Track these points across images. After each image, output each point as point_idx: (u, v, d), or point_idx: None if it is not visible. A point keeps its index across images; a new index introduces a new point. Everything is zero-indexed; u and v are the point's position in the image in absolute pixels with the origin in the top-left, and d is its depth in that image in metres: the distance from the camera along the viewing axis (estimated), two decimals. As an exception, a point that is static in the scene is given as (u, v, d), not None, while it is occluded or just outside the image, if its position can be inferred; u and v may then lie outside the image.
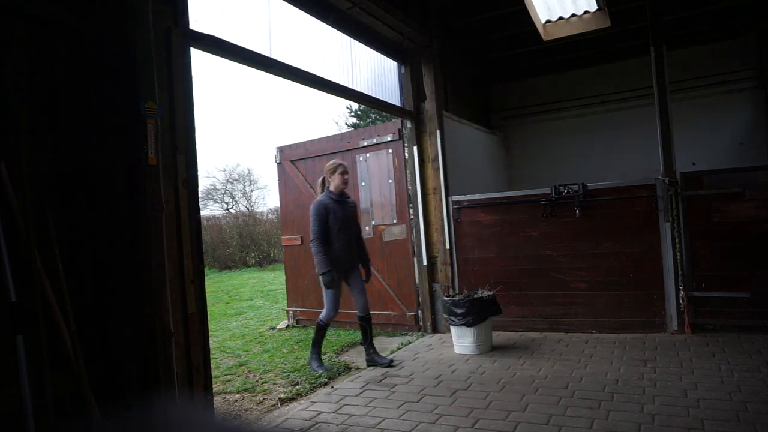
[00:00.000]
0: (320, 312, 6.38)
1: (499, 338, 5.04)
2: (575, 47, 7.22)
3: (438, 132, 5.63)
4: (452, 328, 4.70)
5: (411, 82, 5.73)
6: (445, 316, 4.89)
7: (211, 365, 3.00)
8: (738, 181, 4.65)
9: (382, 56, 5.54)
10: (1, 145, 2.03)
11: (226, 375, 4.51)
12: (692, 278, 4.76)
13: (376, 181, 5.94)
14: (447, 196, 5.62)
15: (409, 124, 5.70)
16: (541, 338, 4.99)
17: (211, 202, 22.33)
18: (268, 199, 29.18)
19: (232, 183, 22.82)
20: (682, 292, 4.70)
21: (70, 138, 2.33)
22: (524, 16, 5.86)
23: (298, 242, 6.45)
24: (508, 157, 8.45)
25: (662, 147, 4.92)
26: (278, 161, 6.68)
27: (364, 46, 5.22)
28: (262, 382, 4.22)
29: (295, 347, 5.38)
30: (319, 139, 6.49)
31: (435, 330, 5.61)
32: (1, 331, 1.95)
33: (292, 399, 3.80)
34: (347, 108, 18.43)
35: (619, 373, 3.77)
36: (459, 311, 4.57)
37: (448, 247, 5.59)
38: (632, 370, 3.81)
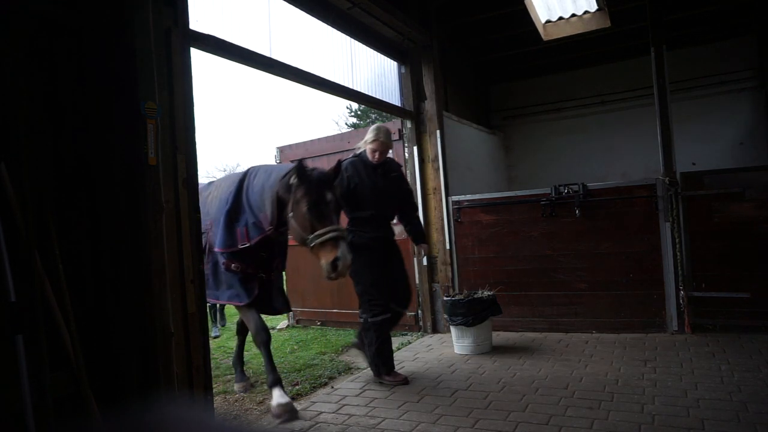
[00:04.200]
0: (320, 311, 6.37)
1: (499, 338, 5.04)
2: (575, 47, 7.22)
3: (438, 132, 5.63)
4: (452, 328, 4.70)
5: (411, 82, 5.73)
6: (445, 316, 4.89)
7: (211, 365, 3.00)
8: (738, 181, 4.65)
9: (382, 56, 5.54)
10: (1, 145, 2.03)
11: (226, 375, 4.51)
12: (692, 278, 4.75)
13: (376, 181, 5.93)
14: (447, 196, 5.62)
15: (409, 124, 5.70)
16: (541, 338, 4.99)
17: (211, 202, 22.28)
18: (268, 199, 29.09)
19: (232, 183, 22.75)
20: (682, 292, 4.69)
21: (70, 138, 2.33)
22: (524, 16, 5.86)
23: (298, 242, 6.44)
24: (508, 157, 8.45)
25: (662, 147, 4.92)
26: (278, 161, 6.68)
27: (364, 46, 5.22)
28: (262, 382, 4.22)
29: (296, 347, 5.38)
30: (319, 139, 6.49)
31: (435, 330, 5.61)
32: (1, 331, 1.95)
33: (292, 399, 3.80)
34: (347, 108, 18.44)
35: (619, 373, 3.77)
36: (459, 311, 4.57)
37: (448, 247, 5.59)
38: (632, 370, 3.81)
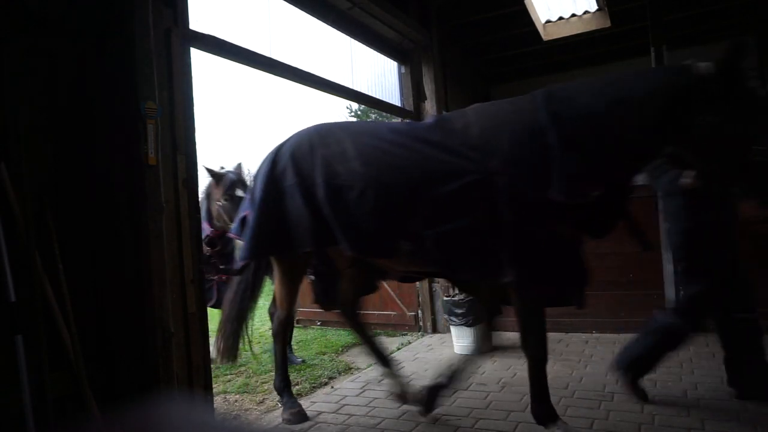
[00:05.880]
0: (320, 311, 6.32)
1: (500, 338, 5.03)
2: (575, 47, 7.21)
3: (438, 132, 5.61)
4: (452, 328, 4.70)
5: (411, 82, 5.73)
6: (445, 316, 4.89)
7: (211, 365, 3.00)
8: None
9: (382, 56, 5.54)
10: (1, 145, 2.03)
11: (226, 375, 4.51)
12: (692, 278, 4.74)
13: (376, 181, 5.90)
14: (447, 196, 5.60)
15: (409, 124, 5.69)
16: (541, 338, 4.99)
17: (211, 202, 22.27)
18: (268, 199, 29.06)
19: (232, 183, 22.76)
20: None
21: (70, 138, 2.33)
22: (524, 16, 5.85)
23: (298, 242, 6.42)
24: (508, 157, 8.42)
25: (662, 147, 4.91)
26: (278, 161, 6.64)
27: (364, 46, 5.22)
28: (262, 382, 4.22)
29: (295, 347, 5.38)
30: (319, 139, 6.48)
31: (435, 330, 5.61)
32: (1, 331, 1.95)
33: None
34: (347, 108, 18.38)
35: (619, 373, 3.76)
36: (459, 311, 4.57)
37: (448, 247, 5.58)
38: (632, 370, 3.80)
